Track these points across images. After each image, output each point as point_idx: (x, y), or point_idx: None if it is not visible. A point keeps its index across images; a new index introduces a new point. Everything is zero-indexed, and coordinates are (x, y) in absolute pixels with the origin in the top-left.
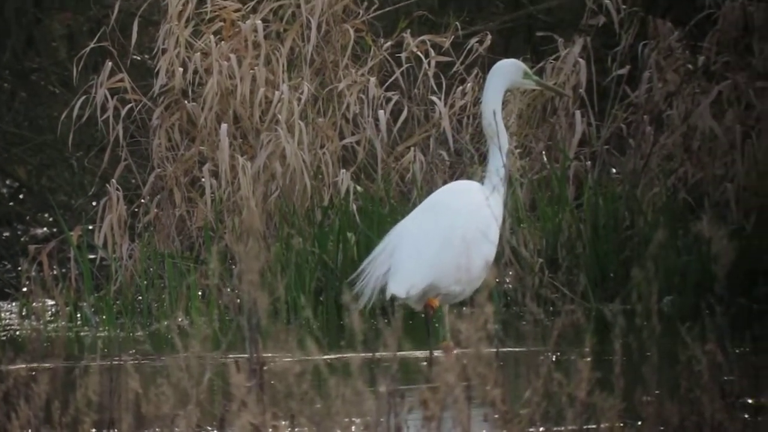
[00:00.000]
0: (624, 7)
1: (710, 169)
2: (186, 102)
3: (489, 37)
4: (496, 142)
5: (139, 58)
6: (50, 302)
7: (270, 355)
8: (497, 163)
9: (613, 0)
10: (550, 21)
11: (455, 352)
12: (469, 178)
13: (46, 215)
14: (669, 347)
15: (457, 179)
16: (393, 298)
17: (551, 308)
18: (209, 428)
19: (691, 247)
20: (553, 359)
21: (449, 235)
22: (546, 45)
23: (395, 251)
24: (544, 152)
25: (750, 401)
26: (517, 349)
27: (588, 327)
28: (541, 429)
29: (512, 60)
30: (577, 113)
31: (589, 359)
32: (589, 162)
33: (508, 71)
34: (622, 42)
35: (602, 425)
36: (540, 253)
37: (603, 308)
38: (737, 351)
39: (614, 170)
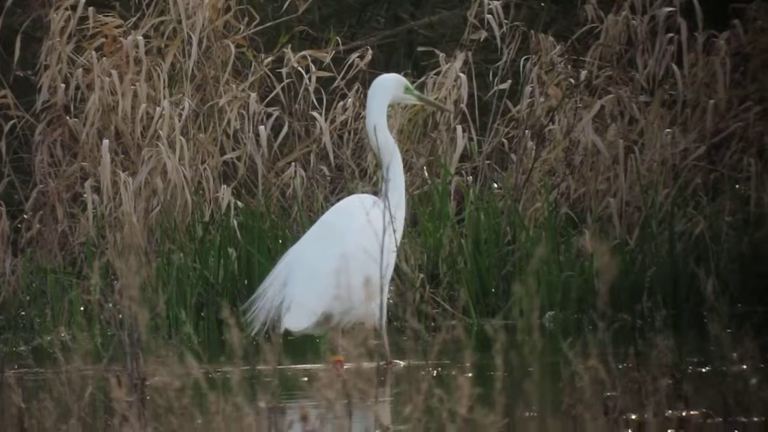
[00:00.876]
0: (506, 21)
1: (593, 184)
2: (68, 118)
3: (370, 52)
4: (384, 157)
5: (21, 74)
6: None
7: (151, 370)
8: (394, 183)
9: (494, 14)
10: (432, 36)
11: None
12: (350, 193)
13: None
14: (551, 363)
15: (338, 195)
16: (288, 333)
17: (432, 323)
18: None
19: (574, 262)
20: (434, 375)
21: (336, 262)
22: (427, 60)
23: (288, 282)
24: (425, 167)
25: (633, 417)
26: (401, 364)
27: (469, 342)
28: None
29: (393, 75)
30: (459, 128)
31: (470, 375)
32: (471, 177)
33: (388, 86)
34: (504, 56)
35: None
36: (421, 268)
37: (484, 323)
38: (620, 367)
39: (496, 185)
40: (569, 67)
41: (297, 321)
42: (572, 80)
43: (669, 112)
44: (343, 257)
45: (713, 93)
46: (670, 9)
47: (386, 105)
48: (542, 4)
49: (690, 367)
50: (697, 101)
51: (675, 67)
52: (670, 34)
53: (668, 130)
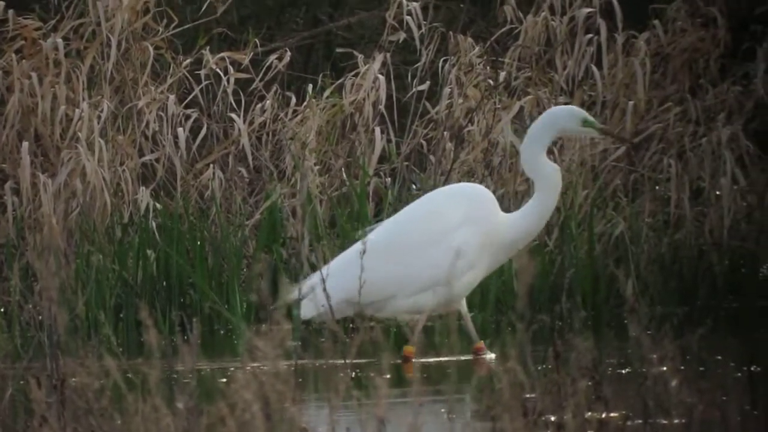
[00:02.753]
0: (424, 22)
1: (512, 185)
2: None
3: (288, 53)
4: (541, 189)
5: None
6: None
7: (70, 370)
8: (536, 203)
9: (413, 16)
10: (350, 37)
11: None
12: (268, 196)
13: None
14: (470, 364)
15: (256, 197)
16: (307, 321)
17: (351, 325)
18: None
19: None
20: (353, 376)
21: (380, 246)
22: (346, 61)
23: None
24: (343, 169)
25: (552, 419)
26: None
27: (387, 344)
28: None
29: (569, 108)
30: (377, 129)
31: (387, 376)
32: (389, 178)
33: (559, 119)
34: (423, 58)
35: None
36: None
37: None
38: (539, 368)
39: (414, 186)
40: (488, 68)
41: (308, 310)
42: (491, 81)
43: (588, 113)
44: (390, 241)
45: (633, 94)
46: (590, 10)
47: (550, 137)
48: (461, 6)
49: (610, 369)
50: (616, 102)
51: (594, 68)
52: (590, 35)
53: None
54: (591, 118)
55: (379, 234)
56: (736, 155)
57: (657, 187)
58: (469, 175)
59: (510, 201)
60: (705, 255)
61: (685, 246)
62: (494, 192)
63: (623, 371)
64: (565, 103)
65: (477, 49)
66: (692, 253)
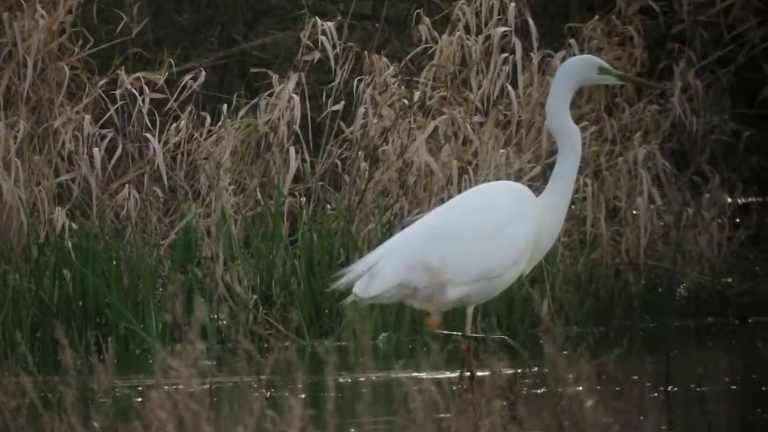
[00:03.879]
0: (339, 42)
1: (426, 205)
2: None
3: (203, 73)
4: (564, 145)
5: None
6: None
7: None
8: (560, 170)
9: (328, 35)
10: (265, 57)
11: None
12: (183, 216)
13: None
14: (384, 384)
15: (171, 216)
16: (356, 298)
17: (266, 345)
18: None
19: None
20: (267, 396)
21: (433, 232)
22: (261, 81)
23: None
24: (258, 188)
25: None
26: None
27: (301, 364)
28: None
29: (583, 57)
30: (292, 149)
31: (302, 396)
32: (304, 198)
33: (575, 70)
34: (338, 77)
35: None
36: (254, 290)
37: (317, 345)
38: (454, 388)
39: (329, 206)
40: (403, 87)
41: (362, 288)
42: (406, 101)
43: (504, 133)
44: (442, 226)
45: None
46: (505, 29)
47: (572, 90)
48: (376, 25)
49: (525, 389)
50: (532, 121)
51: (510, 87)
52: (505, 54)
53: (503, 150)
54: (607, 66)
55: (434, 223)
56: (653, 174)
57: (573, 207)
58: (383, 195)
59: None
60: (621, 275)
61: (601, 266)
62: (408, 212)
63: (538, 391)
64: (480, 123)
65: (392, 68)
66: (608, 273)
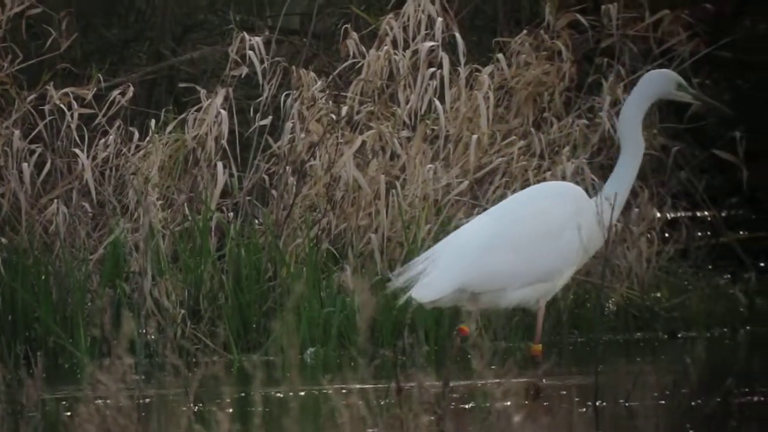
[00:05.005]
0: (267, 57)
1: (354, 220)
2: None
3: (131, 88)
4: (627, 153)
5: None
6: None
7: None
8: (620, 174)
9: (256, 50)
10: (193, 72)
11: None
12: (111, 230)
13: None
14: (312, 398)
15: (100, 231)
16: (414, 302)
17: (194, 360)
18: None
19: (335, 298)
20: (194, 410)
21: (491, 240)
22: (189, 96)
23: (437, 254)
24: (186, 203)
25: None
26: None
27: (229, 378)
28: None
29: (663, 71)
30: (219, 164)
31: (229, 410)
32: (232, 213)
33: (656, 83)
34: (265, 92)
35: None
36: (182, 304)
37: (245, 359)
38: (381, 403)
39: (257, 221)
40: (330, 102)
41: (424, 293)
42: (333, 116)
43: (431, 147)
44: (502, 233)
45: (476, 128)
46: (433, 44)
47: (649, 102)
48: (303, 40)
49: (453, 404)
50: (459, 136)
51: (437, 102)
52: (433, 69)
53: (430, 165)
54: (685, 83)
55: (489, 226)
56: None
57: None
58: (311, 210)
59: (352, 235)
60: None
61: None
62: (336, 226)
63: (467, 406)
64: (408, 138)
65: (319, 83)
66: None
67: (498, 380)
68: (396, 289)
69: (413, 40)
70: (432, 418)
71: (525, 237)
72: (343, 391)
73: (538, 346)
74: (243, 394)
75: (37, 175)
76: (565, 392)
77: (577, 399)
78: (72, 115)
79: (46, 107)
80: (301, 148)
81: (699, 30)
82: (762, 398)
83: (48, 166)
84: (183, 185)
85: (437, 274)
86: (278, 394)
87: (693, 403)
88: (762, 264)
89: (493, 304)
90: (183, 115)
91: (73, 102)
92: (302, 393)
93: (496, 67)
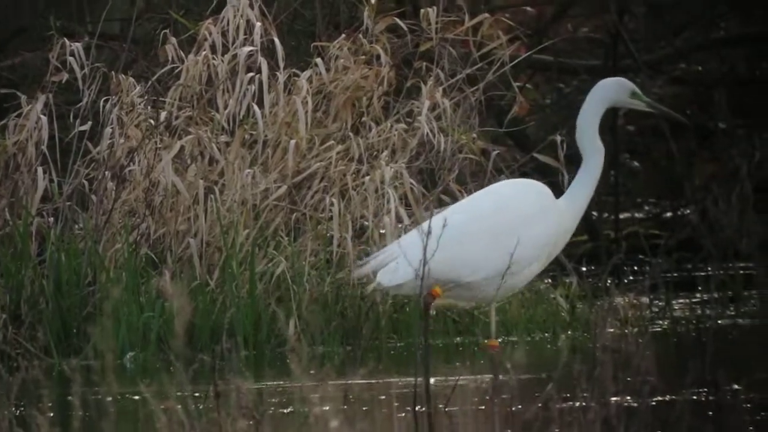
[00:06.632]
0: (87, 63)
1: (173, 225)
2: None
3: None
4: (588, 159)
5: None
6: None
7: None
8: (582, 179)
9: (76, 56)
10: (13, 78)
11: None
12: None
13: None
14: (132, 403)
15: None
16: (379, 286)
17: (15, 364)
18: None
19: (154, 302)
20: (15, 414)
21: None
22: (9, 102)
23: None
24: (6, 208)
25: None
26: None
27: (49, 382)
28: None
29: (617, 79)
30: (39, 169)
31: (50, 414)
32: (52, 218)
33: (608, 91)
34: (85, 98)
35: None
36: (3, 309)
37: (65, 363)
38: (199, 407)
39: (77, 226)
40: (149, 107)
41: (387, 277)
42: (152, 121)
43: (250, 152)
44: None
45: (294, 132)
46: (251, 48)
47: (602, 110)
48: (123, 45)
49: (271, 409)
50: (278, 141)
51: (256, 107)
52: (251, 74)
53: (249, 170)
54: (639, 92)
55: (459, 218)
56: (400, 193)
57: (319, 226)
58: (130, 215)
59: (171, 240)
60: (369, 294)
61: (347, 285)
62: (155, 231)
63: (284, 411)
64: (226, 143)
65: (138, 88)
66: (355, 293)
67: (315, 383)
68: (361, 275)
69: (232, 44)
70: (250, 422)
71: (492, 228)
72: (161, 395)
73: (496, 341)
74: (63, 398)
75: None
76: (384, 397)
77: (396, 404)
78: None
79: None
80: (120, 154)
81: (520, 33)
82: (583, 404)
83: None
84: (4, 190)
85: (402, 260)
86: (98, 398)
87: (513, 409)
88: (583, 269)
89: (449, 296)
90: (4, 121)
91: None
92: (120, 397)
93: (314, 72)
